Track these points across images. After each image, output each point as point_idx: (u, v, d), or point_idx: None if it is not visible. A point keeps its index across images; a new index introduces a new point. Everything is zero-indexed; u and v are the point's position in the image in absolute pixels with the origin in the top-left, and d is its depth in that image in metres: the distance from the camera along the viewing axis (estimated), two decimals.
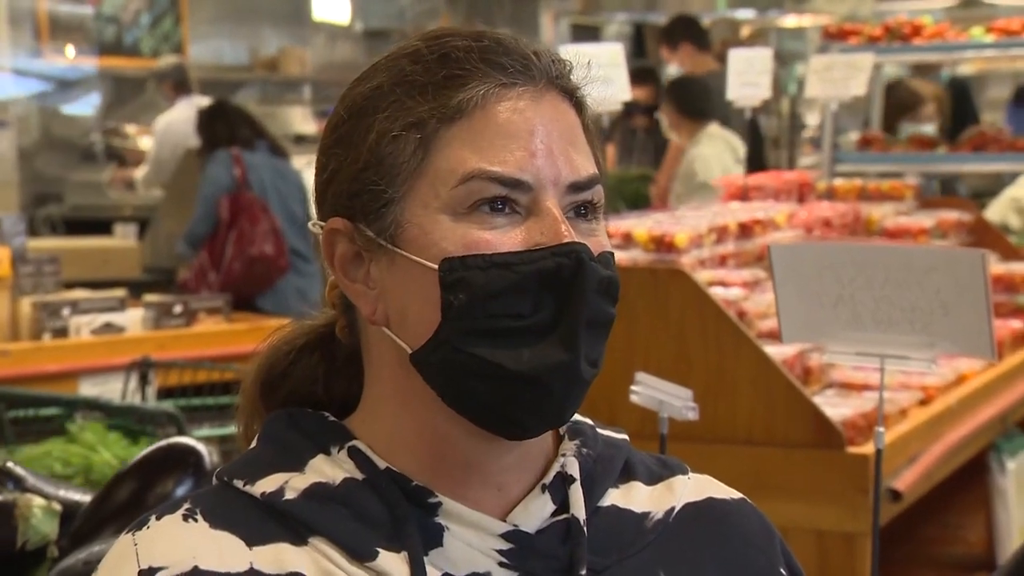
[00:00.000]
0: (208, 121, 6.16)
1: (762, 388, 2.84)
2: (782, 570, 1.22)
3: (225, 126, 6.03)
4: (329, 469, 1.10)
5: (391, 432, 1.11)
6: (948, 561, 3.60)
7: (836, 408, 2.91)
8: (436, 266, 1.05)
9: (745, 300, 3.10)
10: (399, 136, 1.08)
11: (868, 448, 2.81)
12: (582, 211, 1.10)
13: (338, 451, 1.11)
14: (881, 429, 1.66)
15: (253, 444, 1.16)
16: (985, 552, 3.52)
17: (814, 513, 2.79)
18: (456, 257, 1.05)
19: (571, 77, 1.12)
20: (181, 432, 3.18)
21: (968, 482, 3.57)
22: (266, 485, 1.10)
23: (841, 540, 2.76)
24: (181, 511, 1.09)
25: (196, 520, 1.08)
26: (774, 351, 2.85)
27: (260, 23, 10.13)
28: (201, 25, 9.74)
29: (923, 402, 3.25)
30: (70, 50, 8.97)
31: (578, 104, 1.13)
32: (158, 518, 1.09)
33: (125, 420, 3.37)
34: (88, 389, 4.25)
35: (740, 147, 5.81)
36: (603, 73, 3.52)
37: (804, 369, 3.07)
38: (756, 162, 6.68)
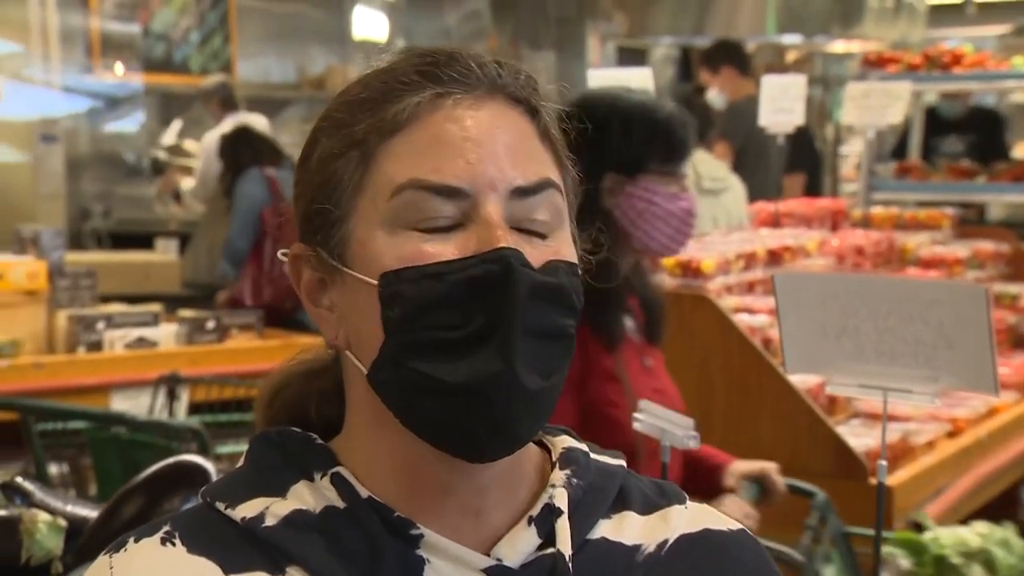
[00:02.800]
0: (231, 145, 6.24)
1: (785, 416, 2.82)
2: None
3: (249, 149, 6.09)
4: (310, 496, 1.09)
5: (370, 457, 1.10)
6: None
7: (860, 438, 2.88)
8: (376, 281, 1.04)
9: (771, 328, 3.07)
10: (340, 155, 1.07)
11: (892, 479, 2.78)
12: (534, 226, 1.06)
13: (321, 477, 1.10)
14: (883, 463, 1.63)
15: (240, 463, 1.15)
16: None
17: None
18: (392, 271, 1.03)
19: (519, 85, 1.10)
20: (204, 448, 3.20)
21: (999, 516, 3.53)
22: (247, 510, 1.08)
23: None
24: (160, 534, 1.08)
25: (174, 544, 1.07)
26: (798, 379, 2.83)
27: (307, 42, 10.19)
28: (249, 43, 9.81)
29: (951, 434, 3.22)
30: (120, 67, 9.06)
31: (531, 111, 1.10)
32: (136, 540, 1.08)
33: (150, 435, 3.40)
34: (119, 403, 4.28)
35: (707, 173, 5.86)
36: None
37: (829, 398, 3.04)
38: (813, 188, 6.65)
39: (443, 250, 1.04)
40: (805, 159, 6.80)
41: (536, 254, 1.05)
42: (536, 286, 1.03)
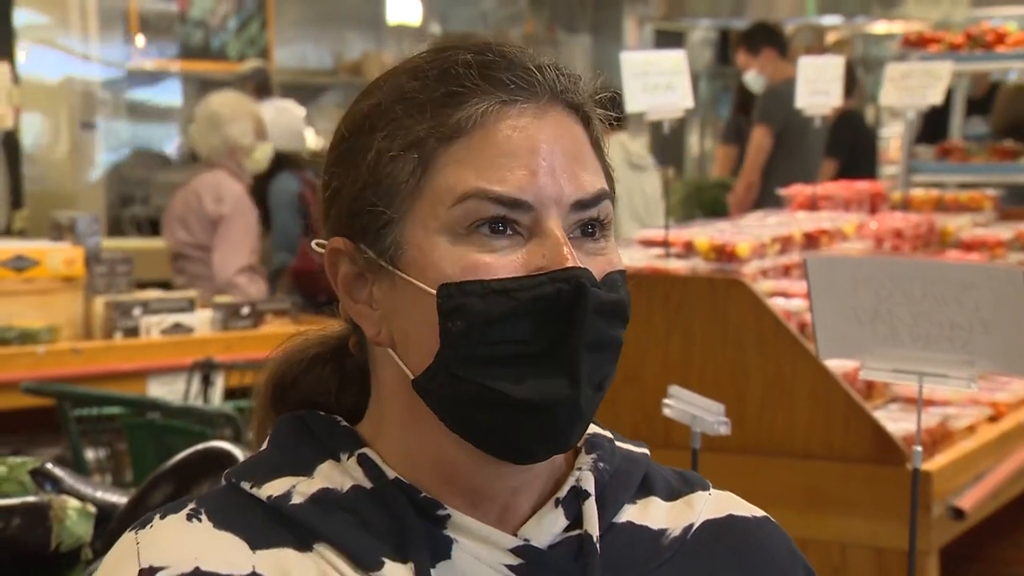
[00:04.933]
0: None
1: (821, 401, 2.79)
2: None
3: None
4: (338, 476, 1.09)
5: (399, 448, 1.10)
6: None
7: (898, 423, 2.85)
8: (434, 291, 1.03)
9: (807, 312, 3.04)
10: (397, 156, 1.05)
11: (931, 464, 2.75)
12: (589, 230, 1.07)
13: (347, 458, 1.10)
14: (919, 449, 1.61)
15: (264, 446, 1.15)
16: None
17: (873, 530, 2.74)
18: (454, 283, 1.02)
19: (577, 91, 1.09)
20: (238, 433, 3.21)
21: None
22: (273, 488, 1.08)
23: (901, 557, 2.70)
24: (186, 511, 1.08)
25: (200, 520, 1.07)
26: (835, 364, 2.80)
27: (343, 28, 10.20)
28: (286, 29, 9.82)
29: (993, 418, 3.18)
30: (158, 54, 9.10)
31: (585, 118, 1.09)
32: (162, 517, 1.08)
33: (184, 421, 3.41)
34: (155, 388, 4.30)
35: (636, 151, 6.00)
36: (667, 81, 3.44)
37: (867, 383, 3.01)
38: (867, 170, 6.58)
39: (507, 263, 1.03)
40: (844, 144, 6.74)
41: (593, 264, 1.05)
42: (603, 304, 1.04)
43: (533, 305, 1.02)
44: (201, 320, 4.68)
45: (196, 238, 5.33)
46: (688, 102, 3.17)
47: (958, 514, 2.78)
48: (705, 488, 1.20)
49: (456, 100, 1.05)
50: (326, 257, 1.11)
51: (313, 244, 1.14)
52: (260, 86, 7.95)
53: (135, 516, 1.84)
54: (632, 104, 3.11)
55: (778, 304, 2.96)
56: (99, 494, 1.91)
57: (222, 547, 1.05)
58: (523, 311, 1.02)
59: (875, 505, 2.73)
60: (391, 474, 1.08)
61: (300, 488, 1.08)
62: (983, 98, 6.29)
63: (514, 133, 1.04)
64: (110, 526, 1.86)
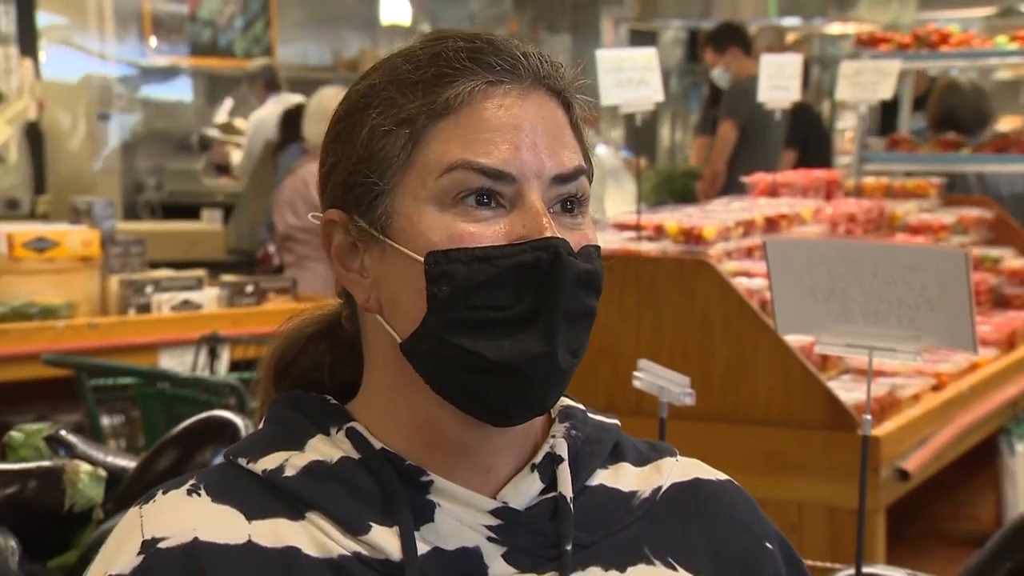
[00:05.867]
0: (285, 122, 6.26)
1: (780, 373, 2.78)
2: (768, 544, 1.16)
3: (294, 127, 6.10)
4: (327, 448, 1.08)
5: (386, 415, 1.08)
6: (959, 537, 3.52)
7: (850, 393, 2.84)
8: (422, 258, 1.02)
9: (767, 290, 3.03)
10: (390, 131, 1.04)
11: (880, 430, 2.75)
12: (568, 205, 1.06)
13: (336, 432, 1.09)
14: (868, 417, 1.60)
15: (260, 425, 1.14)
16: (994, 528, 3.43)
17: (827, 490, 2.73)
18: (440, 251, 1.01)
19: (559, 77, 1.08)
20: (242, 402, 3.18)
21: (979, 463, 3.49)
22: (267, 463, 1.07)
23: (852, 516, 2.69)
24: (186, 486, 1.07)
25: (199, 495, 1.06)
26: (793, 338, 2.79)
27: (341, 27, 10.18)
28: (289, 29, 9.80)
29: (936, 387, 3.18)
30: (170, 50, 9.06)
31: (565, 103, 1.08)
32: (164, 492, 1.07)
33: (192, 391, 3.39)
34: (166, 360, 4.30)
35: None
36: (639, 76, 3.42)
37: (821, 356, 3.00)
38: (822, 159, 6.55)
39: (490, 232, 1.02)
40: (800, 135, 6.72)
41: (571, 237, 1.04)
42: (579, 273, 1.03)
43: (514, 272, 1.01)
44: (208, 297, 4.67)
45: (303, 221, 5.29)
46: (659, 96, 3.15)
47: (903, 475, 2.78)
48: (672, 455, 1.19)
49: (446, 80, 1.04)
50: (321, 228, 1.09)
51: (310, 216, 1.13)
52: (269, 82, 7.92)
53: (143, 480, 1.83)
54: (607, 98, 3.09)
55: (741, 283, 2.94)
56: (109, 459, 1.90)
57: (220, 518, 1.04)
58: (504, 278, 1.01)
59: (829, 468, 2.72)
60: (377, 444, 1.07)
61: (292, 461, 1.07)
62: (921, 96, 6.27)
63: (499, 111, 1.04)
64: (119, 489, 1.84)
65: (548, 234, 1.01)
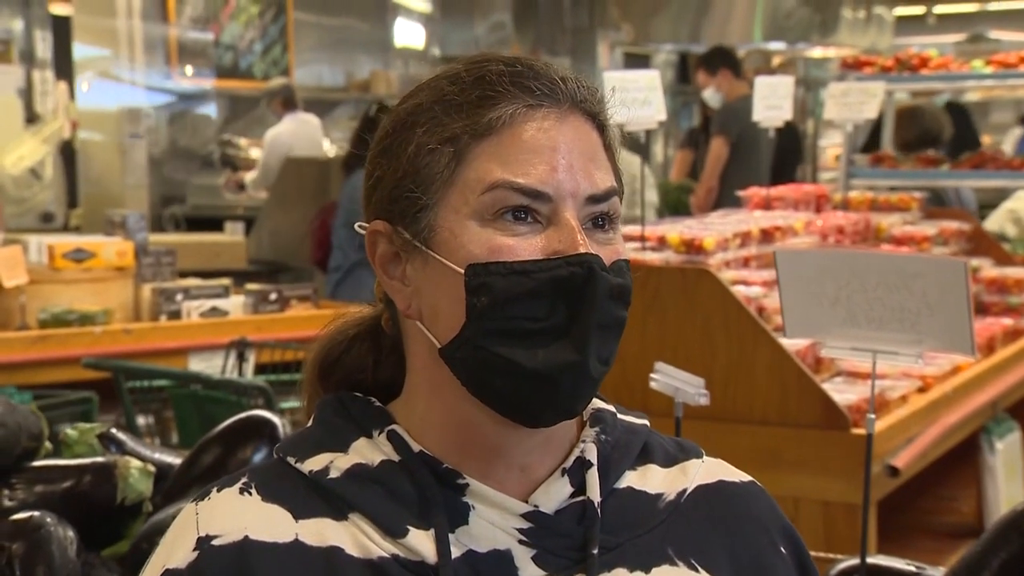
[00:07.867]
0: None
1: (777, 375, 2.78)
2: (781, 548, 1.15)
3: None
4: (369, 451, 1.08)
5: (424, 417, 1.08)
6: (943, 529, 3.52)
7: (843, 394, 2.84)
8: (462, 270, 1.02)
9: (764, 297, 3.04)
10: (435, 149, 1.04)
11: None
12: (600, 222, 1.06)
13: (378, 434, 1.08)
14: (872, 416, 1.61)
15: (309, 424, 1.14)
16: (976, 521, 3.44)
17: (822, 486, 2.73)
18: (480, 263, 1.01)
19: (595, 101, 1.08)
20: (270, 403, 3.19)
21: (961, 460, 3.49)
22: (314, 464, 1.08)
23: (845, 510, 2.70)
24: (239, 484, 1.07)
25: (251, 494, 1.06)
26: (789, 343, 2.79)
27: (355, 50, 10.19)
28: (305, 52, 9.81)
29: (922, 389, 3.18)
30: (194, 72, 9.07)
31: (600, 126, 1.08)
32: (219, 490, 1.08)
33: (223, 392, 3.39)
34: (196, 364, 4.30)
35: None
36: (643, 96, 3.41)
37: (816, 359, 3.00)
38: (791, 171, 6.57)
39: (527, 247, 1.02)
40: (789, 153, 6.73)
41: (603, 252, 1.04)
42: (612, 287, 1.03)
43: (550, 285, 1.01)
44: (235, 304, 4.66)
45: None
46: (662, 115, 3.16)
47: (894, 472, 2.79)
48: (699, 456, 1.18)
49: (489, 102, 1.04)
50: (366, 238, 1.10)
51: (356, 226, 1.13)
52: (287, 100, 7.92)
53: (188, 475, 1.83)
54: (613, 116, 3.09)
55: (740, 291, 2.95)
56: (157, 455, 1.90)
57: (269, 517, 1.04)
58: (540, 290, 1.01)
59: (823, 465, 2.72)
60: (416, 447, 1.07)
61: (337, 463, 1.07)
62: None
63: (538, 133, 1.04)
64: (166, 484, 1.84)
65: (583, 250, 1.01)
